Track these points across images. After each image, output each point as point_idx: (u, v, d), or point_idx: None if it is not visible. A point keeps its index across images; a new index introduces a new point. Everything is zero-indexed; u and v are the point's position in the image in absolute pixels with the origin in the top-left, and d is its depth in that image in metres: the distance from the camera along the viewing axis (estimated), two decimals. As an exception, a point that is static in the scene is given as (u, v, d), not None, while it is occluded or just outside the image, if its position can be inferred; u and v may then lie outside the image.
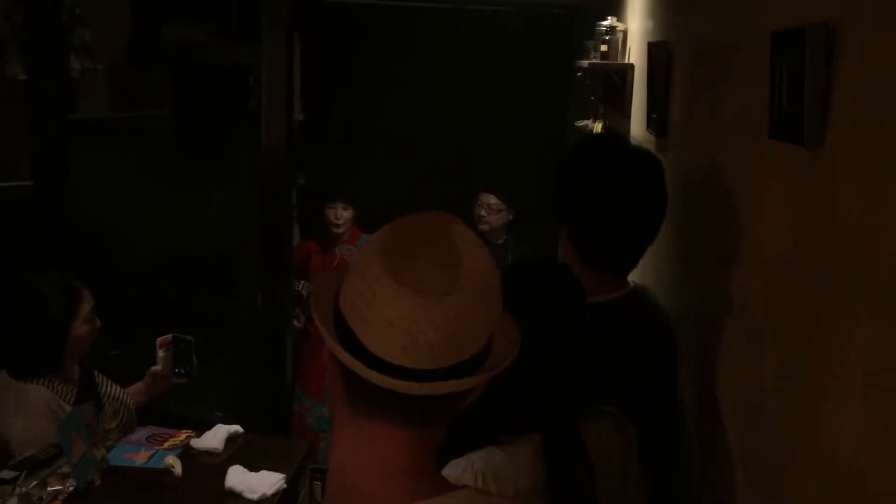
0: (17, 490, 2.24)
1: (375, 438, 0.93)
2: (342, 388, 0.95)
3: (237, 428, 2.75)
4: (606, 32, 3.32)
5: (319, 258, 4.24)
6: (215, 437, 2.67)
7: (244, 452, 2.65)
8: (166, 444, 2.65)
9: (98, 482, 2.38)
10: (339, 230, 4.26)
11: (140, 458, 2.56)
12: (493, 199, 4.26)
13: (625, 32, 3.33)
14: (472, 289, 0.90)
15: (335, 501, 0.97)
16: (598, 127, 3.59)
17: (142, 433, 2.72)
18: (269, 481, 2.44)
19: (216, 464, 2.57)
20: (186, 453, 2.61)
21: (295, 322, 4.09)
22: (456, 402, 0.94)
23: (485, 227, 4.26)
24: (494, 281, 0.94)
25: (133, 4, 4.50)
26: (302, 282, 4.14)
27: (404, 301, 0.87)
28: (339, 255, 4.26)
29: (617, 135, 3.25)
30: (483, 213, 4.25)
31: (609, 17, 3.37)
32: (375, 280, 0.89)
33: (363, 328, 0.89)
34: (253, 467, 2.48)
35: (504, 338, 0.97)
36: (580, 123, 3.96)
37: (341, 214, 4.24)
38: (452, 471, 1.40)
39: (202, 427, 2.76)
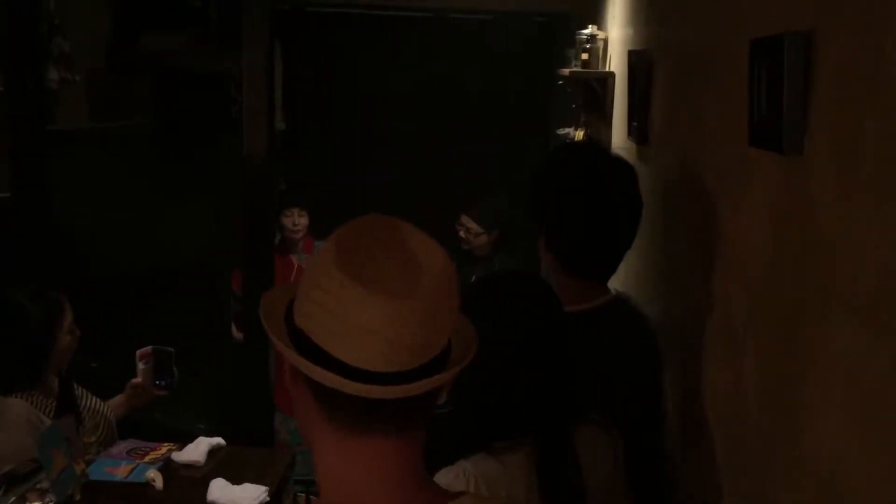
0: (-4, 506, 2.22)
1: (364, 453, 0.91)
2: (317, 409, 0.92)
3: (219, 440, 2.73)
4: (587, 41, 3.33)
5: (277, 264, 4.19)
6: (197, 450, 2.65)
7: (226, 465, 2.62)
8: (147, 458, 2.62)
9: (78, 497, 2.35)
10: (297, 236, 4.17)
11: (121, 472, 2.53)
12: (472, 224, 4.21)
13: (605, 41, 3.34)
14: (435, 284, 0.88)
15: None
16: (579, 135, 3.60)
17: (122, 447, 2.69)
18: (252, 494, 2.42)
19: (198, 477, 2.55)
20: (168, 467, 2.58)
21: (234, 335, 4.06)
22: (432, 401, 0.93)
23: (465, 247, 4.26)
24: (452, 274, 0.92)
25: (112, 13, 4.48)
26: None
27: (377, 306, 0.85)
28: (297, 263, 4.19)
29: (590, 142, 3.27)
30: (463, 234, 4.24)
31: (590, 26, 3.38)
32: (340, 289, 0.86)
33: (335, 342, 0.86)
34: (235, 480, 2.46)
35: (461, 333, 0.96)
36: (562, 131, 3.97)
37: (298, 221, 4.16)
38: (444, 478, 1.40)
39: (183, 440, 2.74)
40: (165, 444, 2.72)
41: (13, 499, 2.27)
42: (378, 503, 0.92)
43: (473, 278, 4.24)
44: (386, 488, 0.92)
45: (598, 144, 3.05)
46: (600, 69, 3.31)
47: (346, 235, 0.92)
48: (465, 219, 4.24)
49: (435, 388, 0.90)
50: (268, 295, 0.99)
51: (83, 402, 2.68)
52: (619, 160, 1.95)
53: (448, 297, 0.91)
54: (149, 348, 2.84)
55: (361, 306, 0.85)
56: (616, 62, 3.14)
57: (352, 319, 0.86)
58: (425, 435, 0.95)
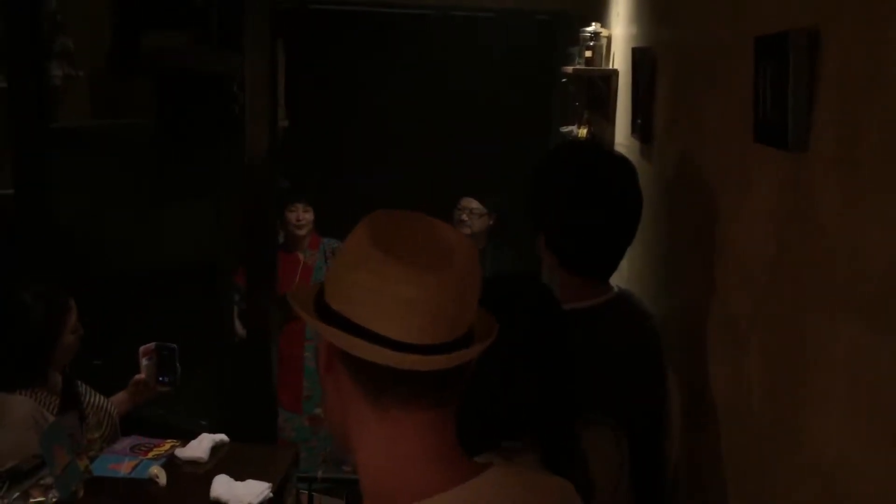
0: (0, 502, 2.22)
1: (406, 428, 0.93)
2: (356, 391, 0.93)
3: (222, 437, 2.73)
4: (591, 38, 3.33)
5: (282, 261, 4.19)
6: (200, 447, 2.65)
7: (229, 461, 2.63)
8: (150, 454, 2.62)
9: (81, 493, 2.35)
10: (301, 232, 4.15)
11: (124, 468, 2.53)
12: (474, 203, 4.26)
13: (609, 38, 3.34)
14: (465, 261, 0.92)
15: (376, 501, 0.96)
16: (582, 132, 3.60)
17: (125, 443, 2.70)
18: (255, 490, 2.42)
19: (201, 473, 2.55)
20: (171, 463, 2.59)
21: (238, 331, 4.04)
22: (465, 374, 0.95)
23: (466, 232, 4.26)
24: (476, 254, 0.96)
25: (114, 12, 4.47)
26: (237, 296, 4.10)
27: (418, 280, 0.88)
28: (304, 260, 4.18)
29: (589, 140, 3.27)
30: (465, 217, 4.25)
31: (593, 24, 3.38)
32: (380, 266, 0.88)
33: (378, 318, 0.88)
34: (238, 476, 2.46)
35: (480, 312, 0.99)
36: (565, 129, 3.97)
37: (303, 216, 4.14)
38: None
39: (187, 436, 2.74)
40: (169, 440, 2.72)
41: (16, 495, 2.28)
42: (423, 477, 0.94)
43: None
44: (429, 462, 0.94)
45: (597, 142, 3.05)
46: (604, 67, 3.31)
47: (376, 220, 0.95)
48: (466, 200, 4.27)
49: (468, 360, 0.93)
50: (294, 290, 1.03)
51: (86, 399, 2.68)
52: (618, 157, 1.95)
53: (476, 274, 0.94)
54: (152, 345, 2.85)
55: (404, 280, 0.88)
56: (619, 60, 3.14)
57: (395, 294, 0.88)
58: (459, 404, 0.98)
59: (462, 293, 0.91)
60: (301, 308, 0.95)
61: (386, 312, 0.88)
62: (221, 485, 2.42)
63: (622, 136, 2.92)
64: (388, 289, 0.88)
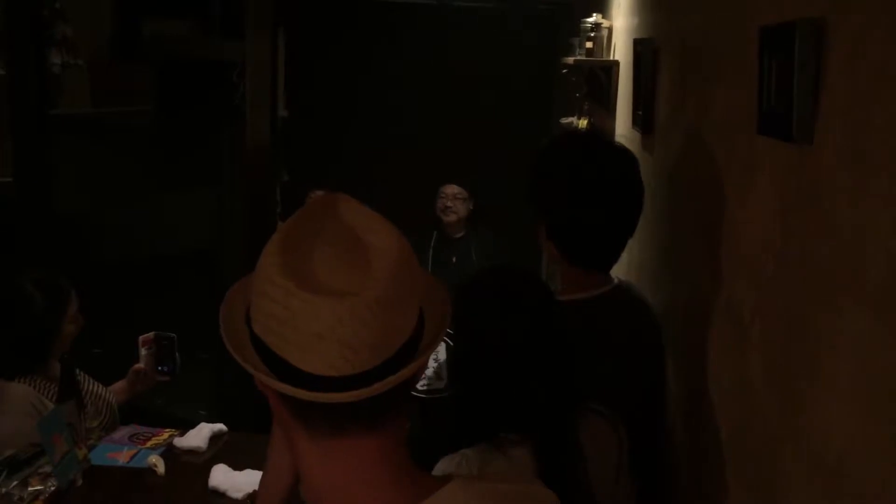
0: (-2, 490, 2.22)
1: (339, 455, 0.88)
2: (287, 414, 0.89)
3: (221, 426, 2.73)
4: (591, 29, 3.32)
5: None
6: (199, 436, 2.65)
7: (228, 451, 2.62)
8: (149, 443, 2.62)
9: (80, 482, 2.35)
10: None
11: (122, 457, 2.53)
12: (455, 189, 4.34)
13: (610, 29, 3.33)
14: (388, 269, 0.84)
15: None
16: (583, 123, 3.59)
17: (124, 432, 2.69)
18: (254, 480, 2.41)
19: (200, 463, 2.55)
20: (170, 452, 2.59)
21: None
22: (405, 390, 0.89)
23: (452, 218, 4.35)
24: (405, 254, 0.87)
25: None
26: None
27: (326, 310, 0.81)
28: None
29: (589, 131, 3.27)
30: (450, 203, 4.33)
31: (594, 14, 3.37)
32: (286, 297, 0.82)
33: (291, 350, 0.83)
34: (237, 466, 2.46)
35: (433, 302, 0.92)
36: (565, 120, 3.96)
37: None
38: (446, 465, 1.40)
39: (185, 426, 2.74)
40: (167, 429, 2.72)
41: (15, 483, 2.27)
42: (365, 501, 0.89)
43: (454, 259, 4.30)
44: (366, 487, 0.89)
45: (597, 132, 3.04)
46: (605, 58, 3.30)
47: (290, 231, 0.88)
48: (447, 187, 4.35)
49: (404, 380, 0.86)
50: (228, 298, 0.96)
51: (85, 387, 2.68)
52: (620, 148, 1.95)
53: (405, 277, 0.86)
54: (151, 334, 2.84)
55: (310, 313, 0.81)
56: (621, 50, 3.12)
57: (303, 328, 0.82)
58: (405, 422, 0.92)
59: (386, 309, 0.83)
60: (227, 328, 0.91)
61: (298, 346, 0.82)
62: (220, 474, 2.42)
63: (623, 128, 2.91)
64: (297, 322, 0.82)
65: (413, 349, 0.87)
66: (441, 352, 1.90)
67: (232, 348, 0.88)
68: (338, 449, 0.88)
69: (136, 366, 2.84)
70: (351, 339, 0.81)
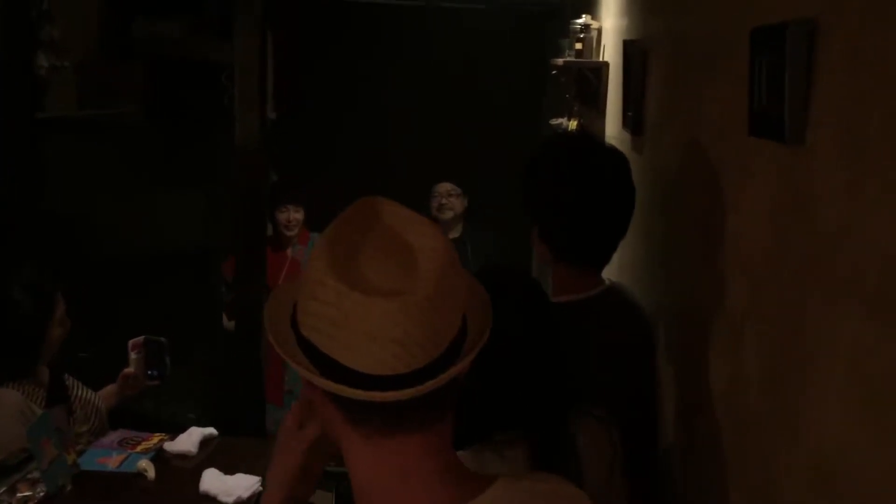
0: (-14, 496, 2.20)
1: (390, 454, 0.90)
2: (339, 416, 0.90)
3: (211, 430, 2.72)
4: (581, 30, 3.32)
5: (271, 259, 4.16)
6: (189, 440, 2.64)
7: (219, 455, 2.61)
8: (139, 448, 2.61)
9: (69, 487, 2.34)
10: (291, 233, 4.10)
11: (112, 462, 2.52)
12: (449, 186, 4.36)
13: (599, 30, 3.33)
14: (433, 268, 0.86)
15: None
16: (573, 125, 3.60)
17: (113, 437, 2.68)
18: (245, 484, 2.41)
19: (190, 467, 2.54)
20: (160, 457, 2.57)
21: (225, 324, 4.02)
22: (454, 386, 0.91)
23: (448, 215, 4.35)
24: (449, 252, 0.89)
25: (105, 0, 4.44)
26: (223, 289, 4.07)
27: (378, 310, 0.83)
28: (291, 255, 4.13)
29: (580, 132, 3.28)
30: (444, 201, 4.33)
31: (584, 16, 3.37)
32: (338, 299, 0.84)
33: (344, 351, 0.85)
34: (228, 470, 2.45)
35: (475, 309, 0.94)
36: (555, 122, 3.96)
37: (293, 217, 4.07)
38: None
39: (176, 430, 2.72)
40: (157, 433, 2.70)
41: (4, 489, 2.26)
42: (417, 498, 0.90)
43: None
44: (414, 486, 0.90)
45: (588, 134, 3.04)
46: (594, 59, 3.30)
47: (335, 235, 0.90)
48: (440, 185, 4.36)
49: (453, 377, 0.88)
50: (271, 301, 0.97)
51: (74, 392, 2.66)
52: (611, 149, 1.95)
53: (451, 276, 0.88)
54: (141, 338, 2.82)
55: (363, 314, 0.83)
56: (610, 52, 3.13)
57: (355, 328, 0.84)
58: (453, 420, 0.94)
59: (434, 308, 0.85)
60: (274, 332, 0.92)
61: (350, 346, 0.84)
62: (211, 478, 2.41)
63: (613, 129, 2.91)
64: (349, 323, 0.84)
65: (459, 346, 0.89)
66: None
67: (283, 353, 0.89)
68: (388, 448, 0.90)
69: (126, 370, 2.82)
70: (403, 337, 0.83)
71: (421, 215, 0.93)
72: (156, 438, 2.67)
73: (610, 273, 1.98)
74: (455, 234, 4.41)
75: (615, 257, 1.94)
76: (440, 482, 0.91)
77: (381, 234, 0.89)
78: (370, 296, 0.83)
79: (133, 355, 2.81)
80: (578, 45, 3.33)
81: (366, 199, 0.94)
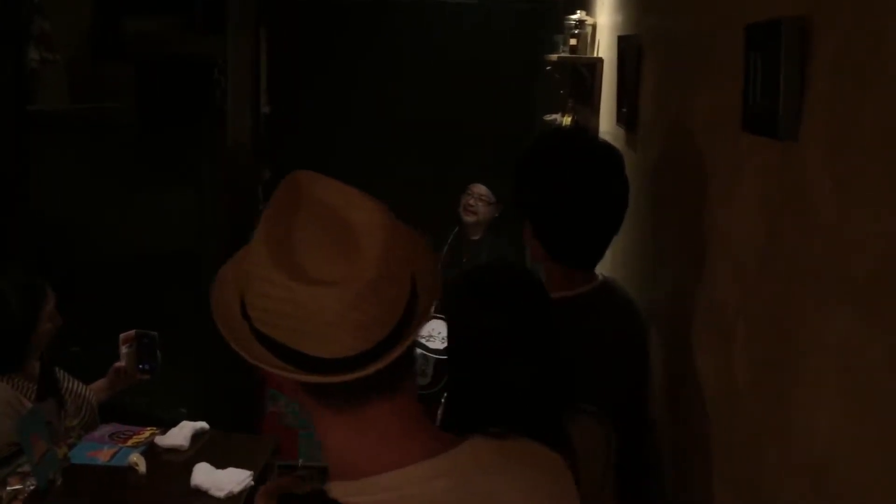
0: (-24, 490, 2.19)
1: (364, 423, 0.92)
2: (307, 397, 0.92)
3: (203, 424, 2.72)
4: (575, 26, 3.32)
5: None
6: (180, 434, 2.63)
7: (210, 449, 2.61)
8: (130, 442, 2.60)
9: (59, 481, 2.33)
10: None
11: (103, 455, 2.51)
12: (483, 190, 4.24)
13: (594, 26, 3.33)
14: (378, 245, 0.86)
15: (346, 478, 0.94)
16: (566, 121, 3.59)
17: (104, 431, 2.67)
18: (236, 478, 2.41)
19: (181, 461, 2.54)
20: (151, 451, 2.57)
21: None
22: (411, 349, 0.93)
23: (471, 219, 4.25)
24: (388, 222, 0.89)
25: (95, -5, 4.42)
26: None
27: (332, 299, 0.83)
28: None
29: (575, 128, 3.27)
30: (472, 202, 4.23)
31: (578, 11, 3.37)
32: (287, 293, 0.84)
33: (303, 341, 0.85)
34: (219, 464, 2.45)
35: (420, 258, 0.94)
36: (549, 118, 3.96)
37: None
38: None
39: (167, 424, 2.72)
40: (148, 428, 2.70)
41: (-6, 483, 2.25)
42: (389, 465, 0.92)
43: (464, 261, 4.25)
44: (395, 441, 0.92)
45: (583, 130, 3.04)
46: (588, 55, 3.30)
47: (273, 221, 0.89)
48: (476, 186, 4.24)
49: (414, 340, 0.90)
50: (216, 293, 0.96)
51: (65, 386, 2.65)
52: (605, 145, 1.94)
53: (395, 249, 0.88)
54: (132, 332, 2.82)
55: (318, 304, 0.84)
56: (604, 48, 3.13)
57: (315, 319, 0.84)
58: (416, 378, 0.97)
59: (384, 283, 0.85)
60: (226, 327, 0.92)
61: (312, 336, 0.85)
62: (202, 473, 2.41)
63: (607, 125, 2.91)
64: (303, 314, 0.84)
65: (413, 309, 0.90)
66: (425, 346, 1.89)
67: (238, 348, 0.90)
68: (358, 416, 0.92)
69: (117, 364, 2.82)
70: (361, 319, 0.85)
71: (354, 188, 0.91)
72: (147, 432, 2.67)
73: (603, 269, 1.98)
74: (477, 236, 4.31)
75: (608, 253, 1.94)
76: (411, 439, 0.94)
77: (317, 214, 0.89)
78: (321, 286, 0.84)
79: (124, 349, 2.81)
80: (573, 41, 3.33)
81: (293, 174, 0.93)
